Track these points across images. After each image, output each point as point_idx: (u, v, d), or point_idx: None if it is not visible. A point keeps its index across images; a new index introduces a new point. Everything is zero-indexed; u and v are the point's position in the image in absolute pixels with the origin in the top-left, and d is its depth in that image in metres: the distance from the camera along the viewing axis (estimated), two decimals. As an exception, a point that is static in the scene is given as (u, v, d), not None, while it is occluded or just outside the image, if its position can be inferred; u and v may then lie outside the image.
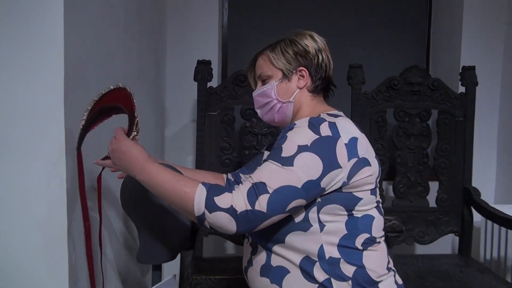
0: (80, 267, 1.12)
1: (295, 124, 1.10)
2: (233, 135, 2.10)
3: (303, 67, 1.20)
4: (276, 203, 0.98)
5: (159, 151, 2.30)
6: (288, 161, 1.01)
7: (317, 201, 1.06)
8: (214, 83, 2.13)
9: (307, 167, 1.01)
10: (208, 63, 2.07)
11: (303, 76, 1.20)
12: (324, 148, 1.03)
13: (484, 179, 2.43)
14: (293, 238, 1.07)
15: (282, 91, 1.20)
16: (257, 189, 0.98)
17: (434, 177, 2.18)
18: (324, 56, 1.23)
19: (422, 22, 2.68)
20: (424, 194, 2.17)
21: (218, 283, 1.79)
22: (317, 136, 1.04)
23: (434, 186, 2.17)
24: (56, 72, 1.02)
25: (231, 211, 0.97)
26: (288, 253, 1.08)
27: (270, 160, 1.04)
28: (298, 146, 1.03)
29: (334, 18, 2.66)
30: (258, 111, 1.26)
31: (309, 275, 1.07)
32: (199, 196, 0.98)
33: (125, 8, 1.59)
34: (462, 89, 2.17)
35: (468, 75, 2.15)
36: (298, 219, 1.07)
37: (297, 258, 1.08)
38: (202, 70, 2.06)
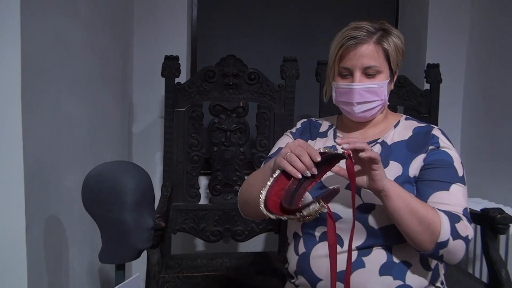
0: (40, 268, 1.09)
1: (437, 137, 1.11)
2: (202, 131, 2.08)
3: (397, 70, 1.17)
4: None
5: (126, 148, 2.26)
6: (464, 181, 1.07)
7: None
8: (182, 79, 2.11)
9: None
10: (176, 58, 2.05)
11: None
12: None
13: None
14: None
15: (387, 92, 1.14)
16: (468, 216, 1.03)
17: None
18: None
19: (390, 21, 2.71)
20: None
21: (186, 280, 1.78)
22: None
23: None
24: (12, 67, 0.99)
25: (466, 240, 1.00)
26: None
27: (458, 183, 1.05)
28: (461, 163, 1.09)
29: (303, 15, 2.68)
30: (354, 105, 1.11)
31: (427, 264, 1.09)
32: (445, 223, 0.98)
33: (87, 1, 1.55)
34: (427, 86, 2.21)
35: (433, 73, 2.19)
36: None
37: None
38: (170, 65, 2.03)
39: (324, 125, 1.27)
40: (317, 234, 1.10)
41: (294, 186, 0.93)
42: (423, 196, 1.04)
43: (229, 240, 2.09)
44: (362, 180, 0.99)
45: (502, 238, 1.86)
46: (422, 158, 1.08)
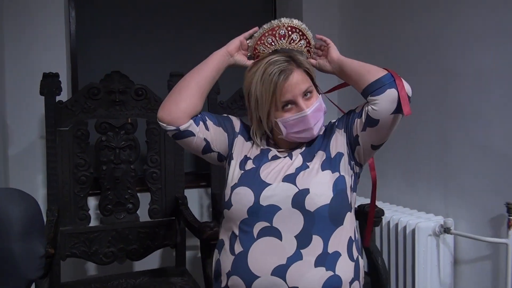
0: None
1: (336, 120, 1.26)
2: (88, 150, 2.01)
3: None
4: None
5: (1, 172, 2.08)
6: None
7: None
8: (63, 96, 2.01)
9: None
10: (56, 75, 1.95)
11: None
12: None
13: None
14: (348, 217, 1.17)
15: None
16: None
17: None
18: None
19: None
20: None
21: (80, 308, 1.70)
22: None
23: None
24: None
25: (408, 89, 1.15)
26: (344, 235, 1.15)
27: None
28: None
29: (184, 25, 2.70)
30: (312, 129, 1.18)
31: (352, 256, 1.16)
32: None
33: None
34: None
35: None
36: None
37: (346, 240, 1.15)
38: (49, 83, 1.93)
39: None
40: (255, 231, 1.14)
41: None
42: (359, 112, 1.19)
43: (124, 261, 2.04)
44: (323, 63, 1.22)
45: (377, 230, 2.09)
46: (336, 134, 1.22)
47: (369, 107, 1.12)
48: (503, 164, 1.74)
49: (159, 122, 1.20)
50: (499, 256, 1.78)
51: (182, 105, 1.17)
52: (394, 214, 2.06)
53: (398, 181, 2.26)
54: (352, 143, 1.20)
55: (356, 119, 1.18)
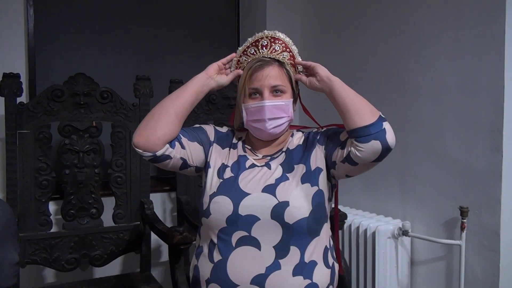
0: None
1: (318, 132, 1.29)
2: (50, 154, 1.95)
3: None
4: None
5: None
6: None
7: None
8: (22, 98, 1.94)
9: None
10: (17, 76, 1.88)
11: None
12: None
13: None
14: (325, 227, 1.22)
15: (292, 109, 1.25)
16: None
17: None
18: None
19: (232, 45, 2.91)
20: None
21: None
22: None
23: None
24: None
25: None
26: (320, 244, 1.20)
27: None
28: None
29: (150, 26, 2.68)
30: (266, 121, 1.20)
31: (327, 263, 1.21)
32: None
33: None
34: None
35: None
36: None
37: (322, 249, 1.20)
38: (10, 84, 1.86)
39: (236, 136, 1.33)
40: (233, 240, 1.15)
41: None
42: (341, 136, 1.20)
43: (86, 267, 1.99)
44: (313, 81, 1.21)
45: (340, 232, 2.16)
46: (316, 149, 1.24)
47: (353, 149, 1.12)
48: (456, 170, 1.86)
49: (135, 148, 1.18)
50: (453, 256, 1.89)
51: (159, 132, 1.17)
52: (355, 218, 2.14)
53: (358, 186, 2.35)
54: (329, 164, 1.22)
55: (338, 148, 1.18)
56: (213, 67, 1.26)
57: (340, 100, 1.15)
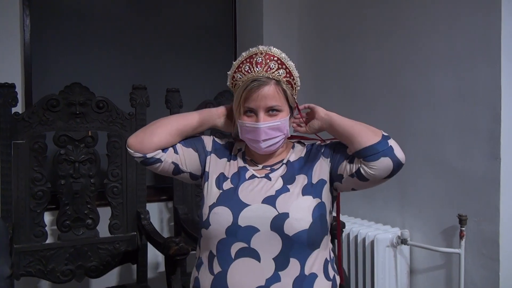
0: None
1: (322, 146, 1.27)
2: (46, 164, 1.93)
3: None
4: None
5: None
6: None
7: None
8: (17, 108, 1.93)
9: None
10: (12, 86, 1.88)
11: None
12: None
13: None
14: (325, 240, 1.20)
15: (288, 126, 1.22)
16: None
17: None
18: None
19: (229, 54, 2.91)
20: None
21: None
22: None
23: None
24: None
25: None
26: (320, 257, 1.17)
27: None
28: None
29: (146, 35, 2.68)
30: (261, 142, 1.18)
31: (328, 275, 1.19)
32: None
33: None
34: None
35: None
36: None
37: (322, 261, 1.18)
38: (5, 94, 1.85)
39: (235, 148, 1.32)
40: (233, 252, 1.13)
41: None
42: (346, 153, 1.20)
43: (82, 278, 1.97)
44: (311, 124, 1.24)
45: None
46: (320, 161, 1.23)
47: (364, 166, 1.13)
48: (455, 178, 1.85)
49: (127, 148, 1.20)
50: (452, 265, 1.88)
51: (156, 138, 1.19)
52: (354, 226, 2.13)
53: (356, 194, 2.33)
54: (334, 177, 1.21)
55: (345, 161, 1.18)
56: (222, 108, 1.29)
57: (341, 129, 1.17)
